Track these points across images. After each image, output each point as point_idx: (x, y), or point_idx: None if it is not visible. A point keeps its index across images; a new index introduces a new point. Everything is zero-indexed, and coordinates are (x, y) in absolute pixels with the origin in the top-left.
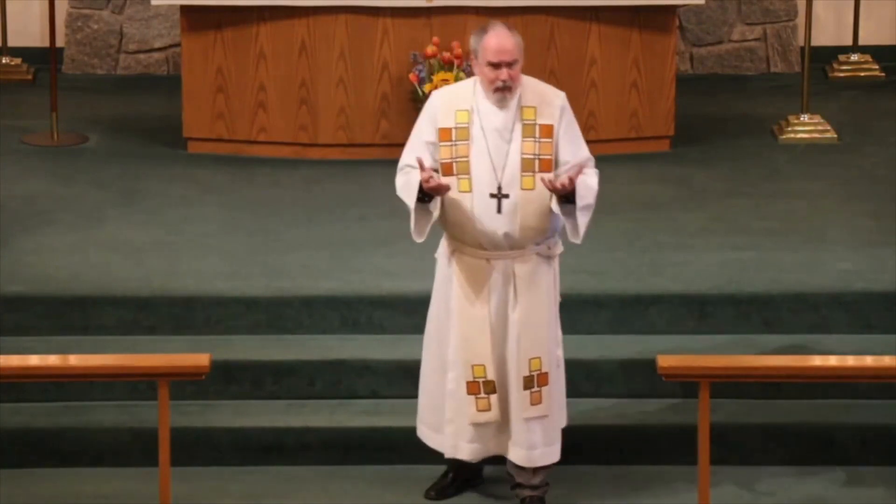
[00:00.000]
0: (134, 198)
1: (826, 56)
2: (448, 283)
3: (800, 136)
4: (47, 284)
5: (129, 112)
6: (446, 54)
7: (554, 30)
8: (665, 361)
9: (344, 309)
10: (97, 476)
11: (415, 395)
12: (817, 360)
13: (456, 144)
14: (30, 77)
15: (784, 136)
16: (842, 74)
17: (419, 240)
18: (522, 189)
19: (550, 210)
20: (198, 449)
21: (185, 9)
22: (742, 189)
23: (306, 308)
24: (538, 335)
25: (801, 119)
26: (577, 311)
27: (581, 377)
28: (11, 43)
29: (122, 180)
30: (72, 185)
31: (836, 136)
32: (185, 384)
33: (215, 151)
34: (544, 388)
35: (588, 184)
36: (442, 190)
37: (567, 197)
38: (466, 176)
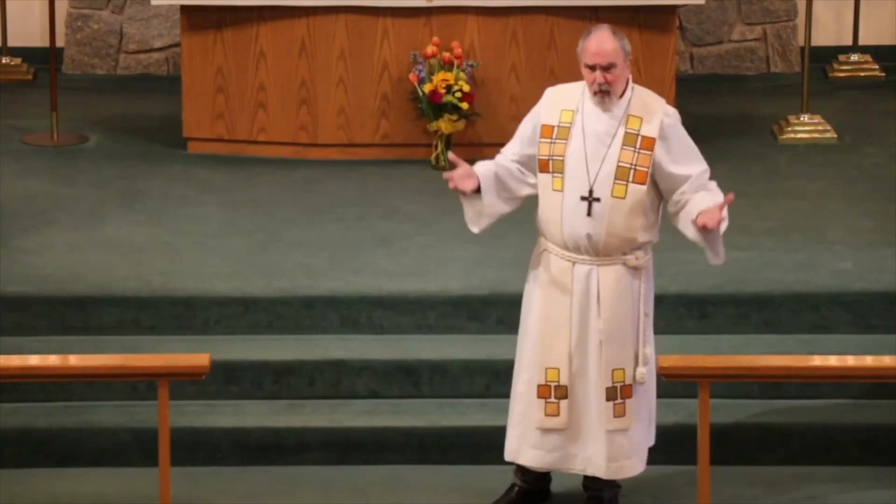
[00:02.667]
0: (134, 198)
1: (826, 56)
2: (534, 281)
3: (800, 136)
4: (47, 284)
5: (129, 112)
6: (446, 54)
7: (554, 30)
8: (665, 361)
9: (344, 309)
10: (97, 476)
11: (414, 395)
12: (817, 360)
13: (555, 142)
14: (30, 77)
15: (784, 136)
16: (842, 74)
17: (473, 229)
18: (613, 196)
19: (639, 222)
20: (198, 449)
21: (185, 9)
22: (742, 189)
23: (306, 308)
24: (622, 346)
25: (801, 119)
26: None
27: None
28: (11, 43)
29: (122, 180)
30: (72, 185)
31: (836, 136)
32: (185, 384)
33: (215, 151)
34: (628, 401)
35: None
36: (456, 188)
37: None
38: (560, 175)
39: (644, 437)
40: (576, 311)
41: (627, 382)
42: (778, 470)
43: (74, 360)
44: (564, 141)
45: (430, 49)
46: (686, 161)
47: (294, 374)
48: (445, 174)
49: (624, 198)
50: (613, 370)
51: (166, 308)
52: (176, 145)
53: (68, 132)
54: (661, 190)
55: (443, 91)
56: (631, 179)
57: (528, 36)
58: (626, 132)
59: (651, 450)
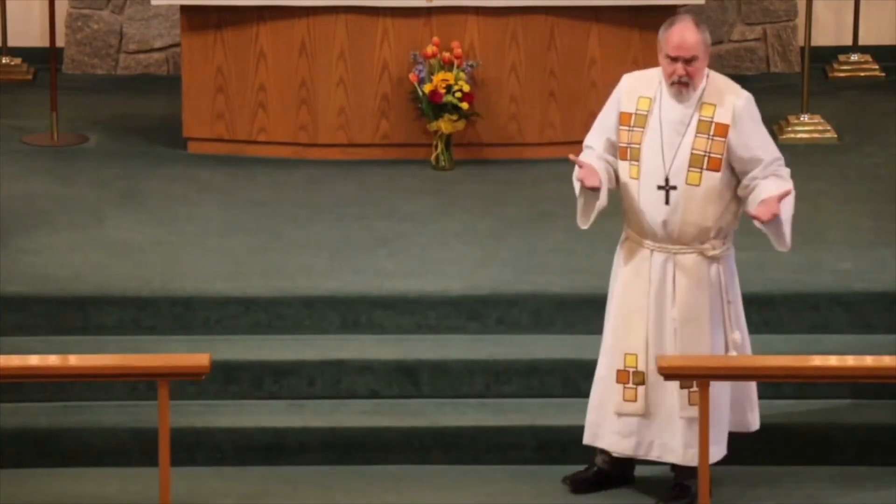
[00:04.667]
0: (134, 198)
1: (826, 56)
2: (617, 268)
3: (800, 136)
4: (47, 284)
5: (129, 112)
6: (446, 54)
7: (554, 30)
8: (665, 361)
9: (344, 309)
10: (97, 476)
11: (415, 395)
12: (817, 360)
13: (633, 130)
14: (30, 77)
15: (784, 136)
16: (842, 74)
17: (583, 226)
18: (688, 184)
19: (713, 209)
20: (198, 449)
21: (185, 9)
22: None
23: (306, 308)
24: (697, 335)
25: (801, 119)
26: (577, 311)
27: (581, 377)
28: (11, 43)
29: (122, 180)
30: (72, 185)
31: (836, 136)
32: (185, 384)
33: (215, 151)
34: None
35: (787, 199)
36: (592, 187)
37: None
38: (637, 163)
39: (722, 424)
40: (653, 298)
41: None
42: (778, 470)
43: (74, 360)
44: (641, 129)
45: (430, 49)
46: (757, 146)
47: (294, 374)
48: (577, 175)
49: (698, 185)
50: None
51: (166, 308)
52: (176, 145)
53: (68, 132)
54: (736, 174)
55: (443, 91)
56: (705, 167)
57: (528, 36)
58: (699, 119)
59: None
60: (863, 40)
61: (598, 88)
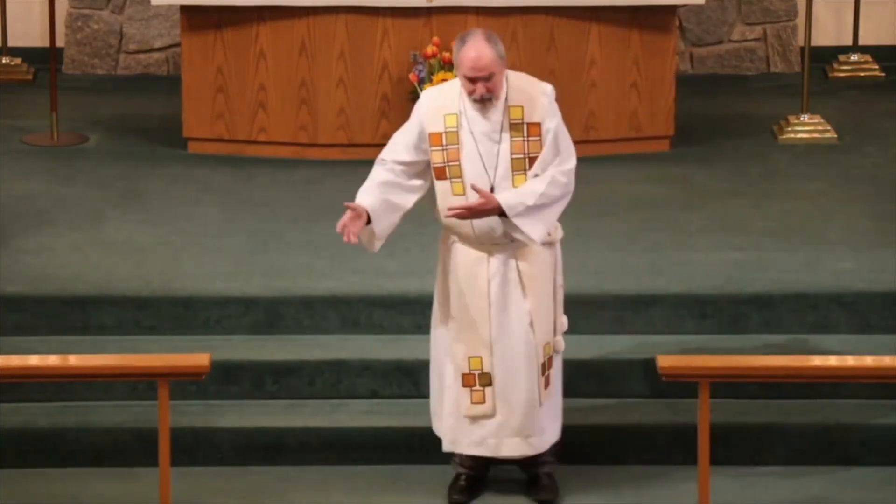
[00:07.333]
0: (134, 198)
1: (826, 56)
2: (447, 273)
3: (800, 136)
4: (47, 284)
5: (129, 112)
6: (446, 54)
7: (554, 30)
8: (665, 361)
9: (344, 309)
10: (97, 476)
11: (414, 395)
12: (817, 360)
13: (446, 149)
14: (30, 77)
15: (784, 136)
16: (842, 74)
17: (372, 251)
18: (515, 187)
19: None
20: (198, 449)
21: (185, 9)
22: (742, 189)
23: (306, 308)
24: (548, 321)
25: (801, 119)
26: (577, 311)
27: (581, 377)
28: (11, 43)
29: (122, 180)
30: (72, 185)
31: (836, 136)
32: (185, 384)
33: (215, 151)
34: (550, 371)
35: (526, 189)
36: (349, 241)
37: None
38: (459, 179)
39: (558, 401)
40: (495, 299)
41: (550, 354)
42: (778, 470)
43: (74, 360)
44: (455, 146)
45: (430, 49)
46: (551, 144)
47: (294, 374)
48: (339, 228)
49: None
50: (544, 345)
51: (166, 308)
52: (176, 145)
53: (68, 132)
54: None
55: None
56: (528, 167)
57: (528, 36)
58: (510, 123)
59: (652, 450)
60: (863, 40)
61: (598, 88)
